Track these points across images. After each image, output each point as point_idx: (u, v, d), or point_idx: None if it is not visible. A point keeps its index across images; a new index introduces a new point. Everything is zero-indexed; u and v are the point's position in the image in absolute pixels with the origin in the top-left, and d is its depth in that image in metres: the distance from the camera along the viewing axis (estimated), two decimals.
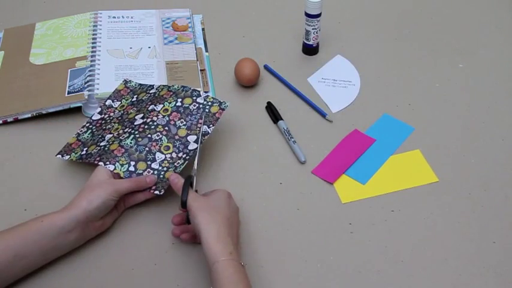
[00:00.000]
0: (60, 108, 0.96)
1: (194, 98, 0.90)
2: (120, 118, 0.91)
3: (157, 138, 0.86)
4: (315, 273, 0.77)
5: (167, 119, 0.88)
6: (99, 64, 1.03)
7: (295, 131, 0.94)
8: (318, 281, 0.76)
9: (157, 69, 1.03)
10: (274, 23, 1.17)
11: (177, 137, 0.86)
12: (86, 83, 0.99)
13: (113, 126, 0.89)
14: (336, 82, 1.04)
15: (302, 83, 1.04)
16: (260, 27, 1.16)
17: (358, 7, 1.21)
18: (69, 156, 0.86)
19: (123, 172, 0.83)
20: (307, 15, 1.03)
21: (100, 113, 0.93)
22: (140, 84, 0.97)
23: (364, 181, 0.88)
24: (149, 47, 1.08)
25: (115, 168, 0.82)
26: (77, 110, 0.97)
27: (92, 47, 1.06)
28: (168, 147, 0.85)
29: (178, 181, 0.78)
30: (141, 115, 0.89)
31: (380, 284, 0.76)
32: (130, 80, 0.98)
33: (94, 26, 1.11)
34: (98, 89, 0.98)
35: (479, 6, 1.21)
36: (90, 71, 1.01)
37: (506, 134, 0.95)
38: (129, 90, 0.96)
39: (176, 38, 1.11)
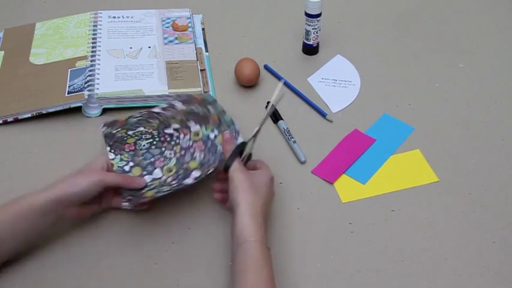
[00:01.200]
0: (60, 108, 0.96)
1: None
2: (166, 119, 0.89)
3: (167, 156, 0.85)
4: (315, 273, 0.77)
5: (190, 143, 0.85)
6: (99, 64, 1.03)
7: (295, 131, 0.94)
8: (318, 281, 0.76)
9: (158, 69, 1.03)
10: (274, 23, 1.17)
11: (184, 166, 0.83)
12: (86, 83, 0.99)
13: (153, 122, 0.88)
14: (336, 82, 1.04)
15: (302, 83, 1.04)
16: (260, 27, 1.17)
17: (358, 7, 1.21)
18: (105, 128, 0.87)
19: (117, 166, 0.82)
20: (307, 15, 1.03)
21: (163, 108, 0.90)
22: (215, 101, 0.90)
23: (364, 181, 0.88)
24: (149, 47, 1.08)
25: (114, 159, 0.82)
26: (77, 110, 0.97)
27: (92, 47, 1.06)
28: (170, 170, 0.83)
29: (231, 142, 0.79)
30: (178, 126, 0.87)
31: (380, 283, 0.76)
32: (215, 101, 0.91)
33: (94, 26, 1.11)
34: (98, 89, 0.98)
35: (479, 6, 1.21)
36: (90, 70, 1.01)
37: (506, 134, 0.95)
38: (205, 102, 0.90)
39: (176, 38, 1.11)
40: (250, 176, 0.76)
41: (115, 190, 0.82)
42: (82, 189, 0.76)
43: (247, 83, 1.02)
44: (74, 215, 0.78)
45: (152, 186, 0.82)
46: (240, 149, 0.77)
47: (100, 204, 0.81)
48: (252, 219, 0.71)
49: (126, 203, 0.80)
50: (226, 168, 0.75)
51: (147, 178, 0.83)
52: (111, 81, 1.00)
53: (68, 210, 0.76)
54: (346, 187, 0.87)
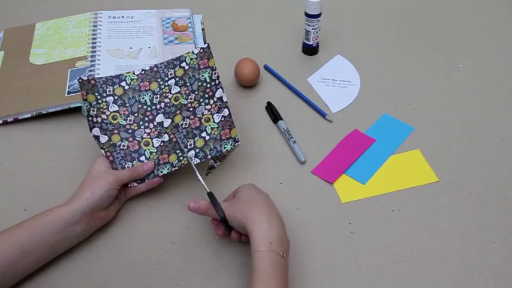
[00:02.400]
0: (60, 108, 0.96)
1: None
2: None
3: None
4: (315, 273, 0.77)
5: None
6: (99, 64, 1.03)
7: (295, 131, 0.94)
8: (318, 281, 0.76)
9: None
10: (274, 23, 1.17)
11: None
12: None
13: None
14: (336, 82, 1.04)
15: (302, 83, 1.04)
16: (260, 27, 1.17)
17: (358, 7, 1.21)
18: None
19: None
20: (307, 15, 1.03)
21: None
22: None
23: (364, 181, 0.88)
24: (149, 47, 1.08)
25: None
26: (77, 110, 0.97)
27: (92, 47, 1.06)
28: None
29: (200, 205, 0.77)
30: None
31: (380, 283, 0.76)
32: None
33: (94, 26, 1.11)
34: None
35: (479, 6, 1.21)
36: (90, 71, 1.01)
37: (506, 134, 0.95)
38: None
39: (176, 38, 1.11)
40: (238, 199, 0.76)
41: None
42: (104, 193, 0.78)
43: (247, 83, 1.02)
44: (103, 218, 0.80)
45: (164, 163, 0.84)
46: (214, 198, 0.77)
47: (119, 200, 0.83)
48: (257, 228, 0.69)
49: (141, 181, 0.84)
50: (224, 220, 0.75)
51: (156, 142, 0.85)
52: None
53: (96, 215, 0.78)
54: (346, 187, 0.87)
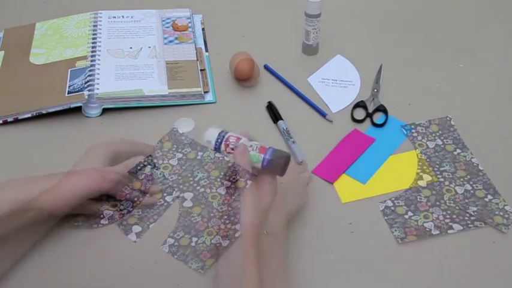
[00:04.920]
0: (60, 108, 0.96)
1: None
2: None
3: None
4: (315, 273, 0.77)
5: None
6: (99, 64, 1.03)
7: (295, 131, 0.94)
8: (318, 281, 0.76)
9: (158, 69, 1.03)
10: (274, 23, 1.17)
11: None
12: (86, 82, 0.99)
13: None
14: (336, 82, 1.04)
15: (302, 83, 1.04)
16: (260, 27, 1.17)
17: (358, 7, 1.21)
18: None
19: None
20: (307, 15, 1.03)
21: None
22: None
23: (364, 181, 0.88)
24: (149, 47, 1.08)
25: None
26: (77, 110, 0.97)
27: (92, 47, 1.06)
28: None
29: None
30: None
31: (380, 284, 0.76)
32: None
33: (94, 25, 1.11)
34: (98, 89, 0.98)
35: (479, 6, 1.21)
36: (90, 70, 1.01)
37: (506, 134, 0.95)
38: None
39: (176, 38, 1.11)
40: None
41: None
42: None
43: (240, 77, 1.00)
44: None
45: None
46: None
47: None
48: (249, 210, 0.70)
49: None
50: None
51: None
52: (111, 81, 1.00)
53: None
54: (346, 187, 0.87)
